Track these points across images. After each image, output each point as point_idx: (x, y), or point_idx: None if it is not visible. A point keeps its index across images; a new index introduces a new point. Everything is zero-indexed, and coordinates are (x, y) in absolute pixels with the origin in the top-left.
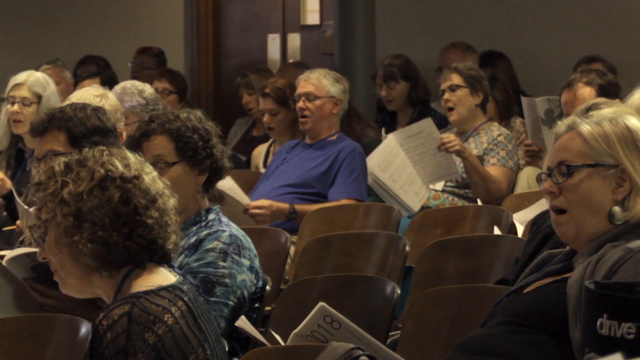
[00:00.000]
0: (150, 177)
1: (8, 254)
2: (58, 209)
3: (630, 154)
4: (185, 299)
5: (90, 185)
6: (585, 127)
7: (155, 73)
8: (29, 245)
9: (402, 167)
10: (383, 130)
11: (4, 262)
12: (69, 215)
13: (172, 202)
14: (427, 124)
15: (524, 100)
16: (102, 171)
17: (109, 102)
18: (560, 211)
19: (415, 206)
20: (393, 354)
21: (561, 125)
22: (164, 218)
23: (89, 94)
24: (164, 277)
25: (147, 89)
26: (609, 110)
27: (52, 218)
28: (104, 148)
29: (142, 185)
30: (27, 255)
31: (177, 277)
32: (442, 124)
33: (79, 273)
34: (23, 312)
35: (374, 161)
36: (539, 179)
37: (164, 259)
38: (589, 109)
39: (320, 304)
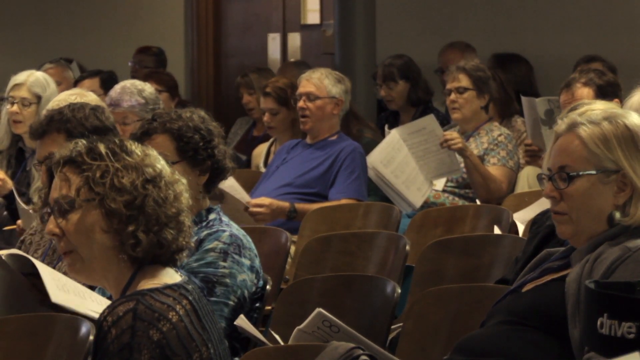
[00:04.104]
0: (184, 184)
1: (7, 251)
2: (110, 194)
3: (631, 156)
4: (190, 298)
5: (143, 178)
6: (584, 130)
7: (142, 77)
8: (29, 245)
9: (405, 162)
10: (386, 126)
11: (3, 256)
12: (121, 203)
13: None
14: (430, 120)
15: (524, 100)
16: (156, 168)
17: (85, 98)
18: (561, 214)
19: (418, 202)
20: (393, 357)
21: (561, 124)
22: (189, 222)
23: (66, 95)
24: (169, 275)
25: (147, 88)
26: (587, 109)
27: (100, 200)
28: (139, 144)
29: (182, 190)
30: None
31: (182, 276)
32: (444, 123)
33: (105, 260)
34: (22, 306)
35: (377, 156)
36: (539, 179)
37: (174, 260)
38: (571, 111)
39: (317, 310)
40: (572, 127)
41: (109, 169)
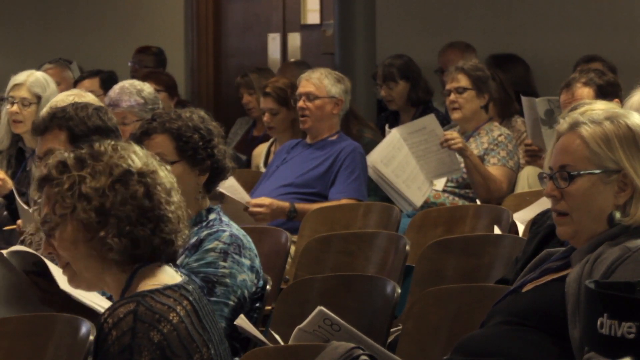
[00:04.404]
0: (163, 170)
1: (10, 248)
2: (78, 204)
3: (632, 156)
4: (191, 298)
5: (111, 180)
6: (586, 129)
7: (140, 77)
8: (29, 245)
9: (406, 161)
10: (387, 126)
11: (5, 254)
12: (91, 211)
13: (179, 196)
14: (430, 120)
15: (524, 99)
16: (123, 165)
17: (83, 99)
18: (562, 213)
19: (418, 201)
20: (393, 356)
21: (563, 123)
22: (178, 212)
23: (64, 95)
24: (170, 276)
25: (146, 88)
26: (587, 109)
27: (72, 212)
28: (114, 142)
29: (159, 180)
30: (29, 252)
31: (183, 277)
32: (444, 123)
33: (93, 267)
34: (23, 304)
35: (377, 155)
36: (540, 178)
37: (173, 256)
38: (571, 110)
39: (319, 308)
40: (574, 126)
41: (75, 179)
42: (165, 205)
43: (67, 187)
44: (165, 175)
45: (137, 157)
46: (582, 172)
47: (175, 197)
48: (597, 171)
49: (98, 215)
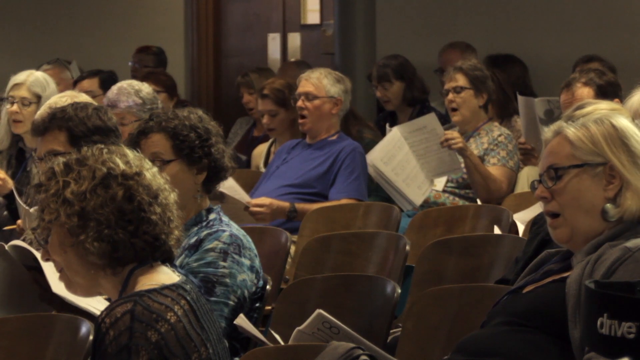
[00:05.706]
0: (151, 172)
1: (11, 242)
2: (62, 210)
3: (617, 150)
4: (188, 298)
5: (93, 183)
6: (571, 130)
7: (140, 77)
8: (30, 245)
9: (406, 160)
10: (387, 124)
11: (6, 246)
12: (73, 215)
13: (172, 196)
14: (431, 119)
15: (520, 99)
16: (104, 169)
17: (77, 99)
18: (555, 215)
19: (418, 200)
20: (392, 359)
21: (548, 131)
22: (167, 213)
23: (57, 97)
24: (167, 276)
25: (144, 88)
26: (593, 108)
27: (56, 219)
28: (103, 146)
29: (144, 182)
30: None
31: (180, 276)
32: (442, 122)
33: (84, 272)
34: (23, 298)
35: (377, 154)
36: (532, 187)
37: (167, 256)
38: (577, 109)
39: (318, 311)
40: (559, 130)
41: (59, 185)
42: (148, 207)
43: (52, 192)
44: (153, 177)
45: (123, 159)
46: (567, 166)
47: (165, 199)
48: (582, 163)
49: (80, 219)
